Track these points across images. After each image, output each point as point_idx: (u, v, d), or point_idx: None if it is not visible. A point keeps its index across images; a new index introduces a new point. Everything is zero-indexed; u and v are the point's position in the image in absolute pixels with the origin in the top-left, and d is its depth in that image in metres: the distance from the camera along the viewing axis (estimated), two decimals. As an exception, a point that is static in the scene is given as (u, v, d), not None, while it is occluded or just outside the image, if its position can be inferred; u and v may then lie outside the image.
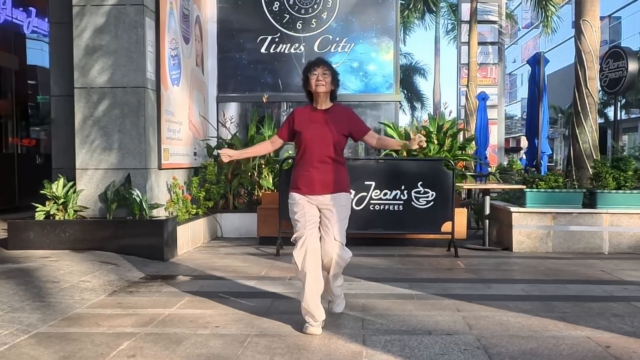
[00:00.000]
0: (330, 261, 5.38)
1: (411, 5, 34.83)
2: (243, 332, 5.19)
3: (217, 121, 13.01)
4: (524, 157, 14.07)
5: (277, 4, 13.29)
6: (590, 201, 9.98)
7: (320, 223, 5.45)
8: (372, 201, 9.74)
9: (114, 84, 9.03)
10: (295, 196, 5.46)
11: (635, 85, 15.52)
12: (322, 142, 5.41)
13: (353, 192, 9.25)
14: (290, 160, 9.59)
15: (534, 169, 12.31)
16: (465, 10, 26.48)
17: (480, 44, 25.31)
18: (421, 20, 39.22)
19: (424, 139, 5.36)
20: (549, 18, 27.24)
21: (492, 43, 27.30)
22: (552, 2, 26.65)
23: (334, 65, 5.64)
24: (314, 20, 13.28)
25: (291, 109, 13.60)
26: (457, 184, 10.17)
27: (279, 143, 5.85)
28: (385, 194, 9.81)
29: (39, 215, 8.75)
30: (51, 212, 8.76)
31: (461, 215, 10.22)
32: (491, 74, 27.37)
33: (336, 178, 5.46)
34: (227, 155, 5.73)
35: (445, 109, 14.48)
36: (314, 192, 5.39)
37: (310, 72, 5.47)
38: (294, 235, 5.43)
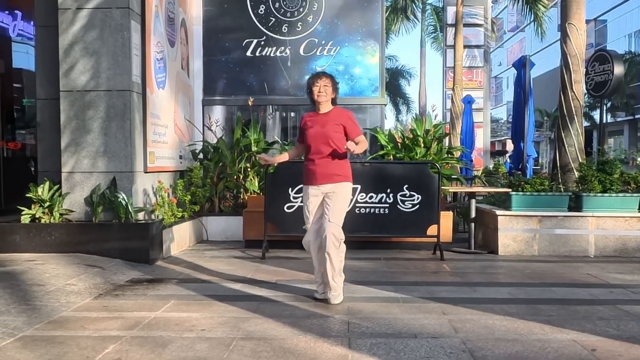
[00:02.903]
0: (325, 238, 6.21)
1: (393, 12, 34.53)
2: (229, 335, 5.19)
3: (203, 124, 12.99)
4: (509, 160, 14.08)
5: (263, 7, 13.29)
6: (576, 204, 10.01)
7: (323, 207, 6.42)
8: (357, 204, 9.75)
9: (100, 87, 9.01)
10: (303, 189, 6.59)
11: (621, 88, 15.56)
12: (321, 140, 6.36)
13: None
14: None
15: (519, 172, 12.31)
16: (450, 13, 26.48)
17: (466, 47, 25.27)
18: (405, 21, 39.05)
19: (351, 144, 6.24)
20: (540, 18, 27.18)
21: (477, 46, 27.29)
22: (542, 3, 26.57)
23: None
24: (299, 23, 13.29)
25: (276, 112, 13.67)
26: (442, 187, 10.18)
27: (300, 147, 6.82)
28: (371, 197, 9.82)
29: (25, 219, 8.73)
30: (37, 216, 8.75)
31: (447, 219, 10.23)
32: (477, 77, 27.35)
33: (335, 170, 6.41)
34: (264, 159, 6.98)
35: (433, 111, 14.50)
36: (316, 183, 6.40)
37: (314, 84, 6.44)
38: (304, 227, 6.61)
